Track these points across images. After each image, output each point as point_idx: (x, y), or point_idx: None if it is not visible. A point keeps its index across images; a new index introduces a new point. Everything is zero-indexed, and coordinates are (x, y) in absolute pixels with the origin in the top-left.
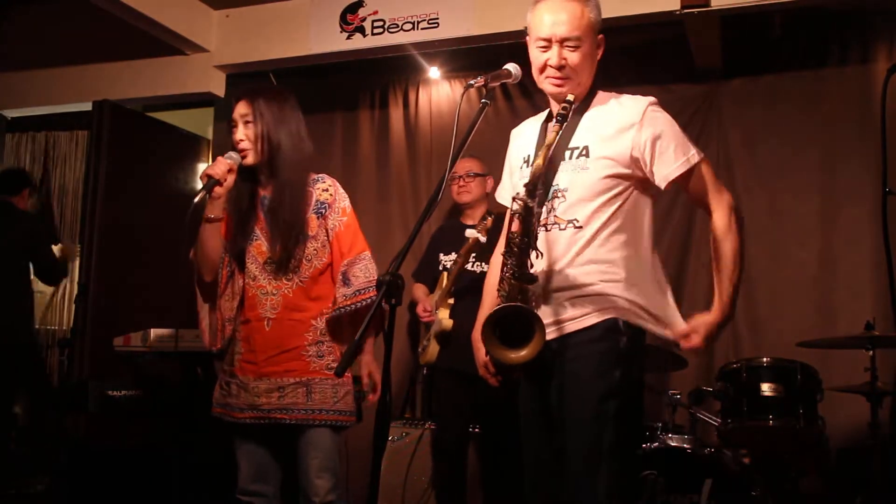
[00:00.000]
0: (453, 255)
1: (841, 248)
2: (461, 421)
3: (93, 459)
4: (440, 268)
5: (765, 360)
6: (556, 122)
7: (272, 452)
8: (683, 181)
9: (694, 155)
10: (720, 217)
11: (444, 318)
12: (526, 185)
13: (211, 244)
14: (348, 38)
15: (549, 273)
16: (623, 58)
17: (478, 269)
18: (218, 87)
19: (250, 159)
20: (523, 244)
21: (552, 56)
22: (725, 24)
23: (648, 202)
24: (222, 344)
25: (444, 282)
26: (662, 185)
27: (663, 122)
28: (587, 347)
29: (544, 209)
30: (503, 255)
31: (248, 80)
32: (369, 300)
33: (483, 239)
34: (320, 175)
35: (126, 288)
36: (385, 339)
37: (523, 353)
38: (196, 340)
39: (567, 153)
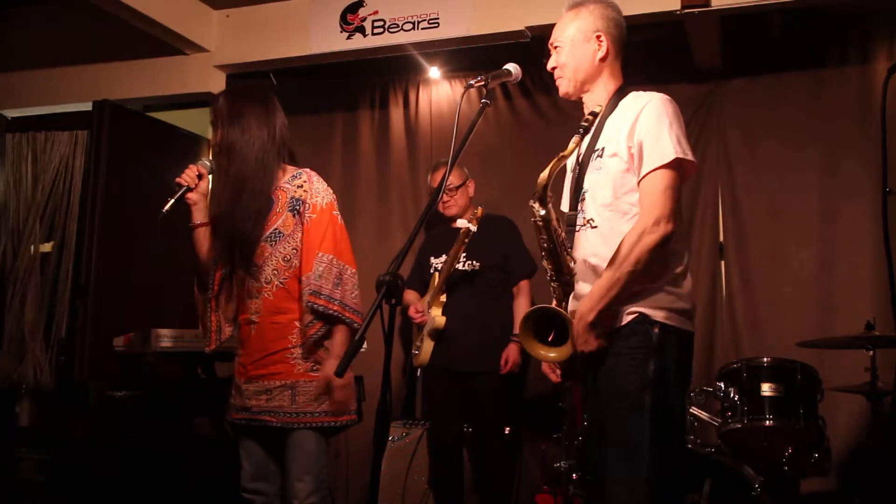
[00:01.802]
0: (444, 257)
1: (841, 248)
2: (456, 419)
3: (93, 459)
4: (431, 270)
5: (765, 360)
6: (577, 135)
7: (272, 453)
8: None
9: (668, 154)
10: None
11: (436, 315)
12: (535, 196)
13: (202, 249)
14: (348, 38)
15: (578, 274)
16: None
17: (468, 268)
18: (218, 87)
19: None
20: (550, 248)
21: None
22: (725, 24)
23: None
24: (216, 345)
25: (436, 281)
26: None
27: (655, 119)
28: (618, 345)
29: (578, 213)
30: (543, 260)
31: (248, 80)
32: (320, 331)
33: (473, 228)
34: (299, 171)
35: (126, 288)
36: (385, 340)
37: (552, 355)
38: (196, 340)
39: (593, 156)
